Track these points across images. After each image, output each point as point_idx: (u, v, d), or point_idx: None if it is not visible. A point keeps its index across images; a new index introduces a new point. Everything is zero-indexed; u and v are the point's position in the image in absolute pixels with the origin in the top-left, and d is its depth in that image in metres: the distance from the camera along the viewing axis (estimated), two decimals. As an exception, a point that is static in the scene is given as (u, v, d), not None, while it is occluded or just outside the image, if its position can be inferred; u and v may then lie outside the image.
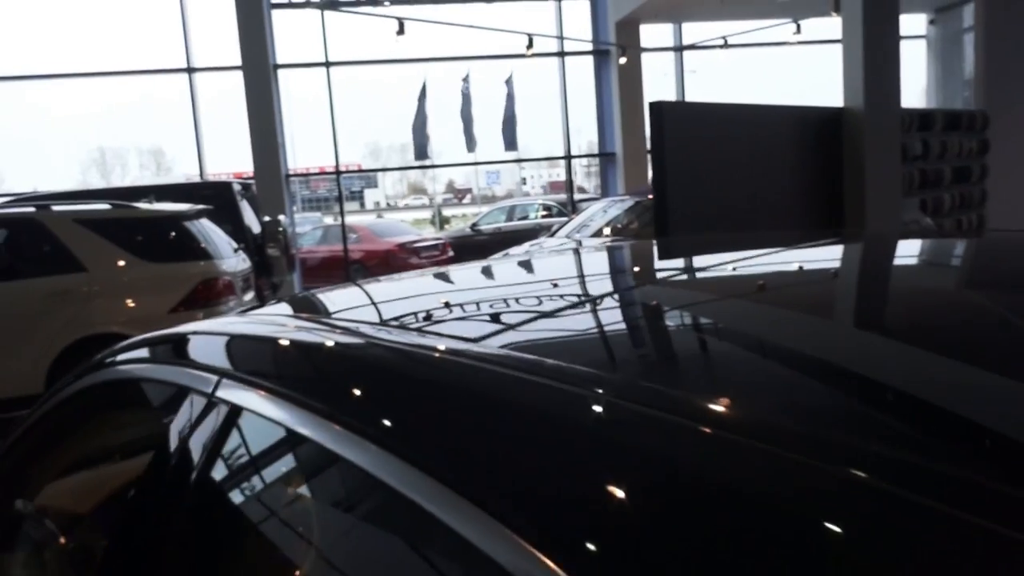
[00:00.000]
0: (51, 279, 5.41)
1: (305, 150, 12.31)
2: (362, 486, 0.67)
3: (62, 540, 1.22)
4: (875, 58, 6.00)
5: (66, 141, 12.63)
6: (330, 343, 0.91)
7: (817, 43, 11.41)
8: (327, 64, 11.61)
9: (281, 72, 11.51)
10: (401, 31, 8.53)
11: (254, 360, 0.98)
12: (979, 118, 8.55)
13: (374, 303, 1.33)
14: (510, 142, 12.80)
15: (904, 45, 14.81)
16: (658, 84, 13.02)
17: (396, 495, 0.58)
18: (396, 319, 1.08)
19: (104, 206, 5.85)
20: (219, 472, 0.84)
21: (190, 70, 11.45)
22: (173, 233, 5.63)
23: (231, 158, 11.70)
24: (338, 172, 12.06)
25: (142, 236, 5.56)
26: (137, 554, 0.89)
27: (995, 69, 8.68)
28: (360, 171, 13.00)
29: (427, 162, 13.47)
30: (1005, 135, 8.61)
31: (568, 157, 12.82)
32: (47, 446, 1.32)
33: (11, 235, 5.74)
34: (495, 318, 0.99)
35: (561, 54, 12.30)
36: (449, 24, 9.73)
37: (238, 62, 10.84)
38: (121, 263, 5.38)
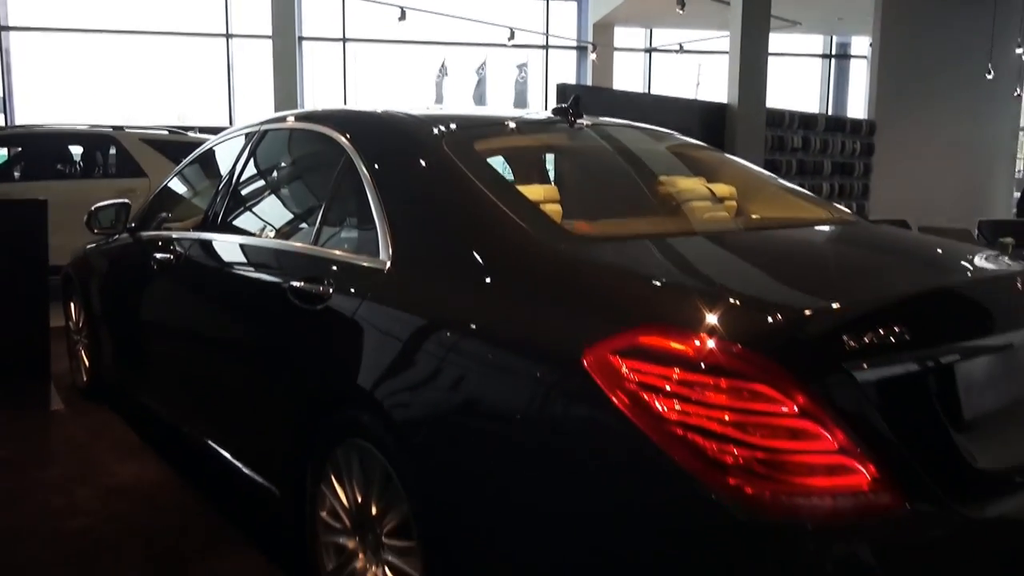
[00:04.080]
0: (120, 181, 7.43)
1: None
2: None
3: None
4: (748, 67, 7.90)
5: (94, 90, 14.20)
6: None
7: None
8: (344, 40, 13.63)
9: (306, 44, 13.51)
10: (403, 17, 10.53)
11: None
12: (865, 125, 10.42)
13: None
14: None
15: (854, 63, 16.61)
16: (633, 79, 14.92)
17: None
18: None
19: (163, 131, 7.87)
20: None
21: (228, 36, 13.46)
22: (211, 155, 7.66)
23: (252, 115, 13.58)
24: (346, 133, 14.11)
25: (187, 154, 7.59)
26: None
27: (884, 85, 10.52)
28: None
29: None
30: (891, 141, 10.45)
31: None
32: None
33: (89, 147, 7.77)
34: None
35: (546, 47, 14.27)
36: (444, 15, 11.72)
37: (269, 31, 12.81)
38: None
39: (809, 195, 2.55)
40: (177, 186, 3.49)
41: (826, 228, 2.21)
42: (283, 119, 2.74)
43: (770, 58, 8.20)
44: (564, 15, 14.35)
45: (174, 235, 3.06)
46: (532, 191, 1.90)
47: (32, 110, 13.22)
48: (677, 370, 1.27)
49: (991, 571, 1.32)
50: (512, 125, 2.38)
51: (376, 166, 2.06)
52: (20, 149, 7.95)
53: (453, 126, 2.12)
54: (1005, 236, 8.56)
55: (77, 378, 4.33)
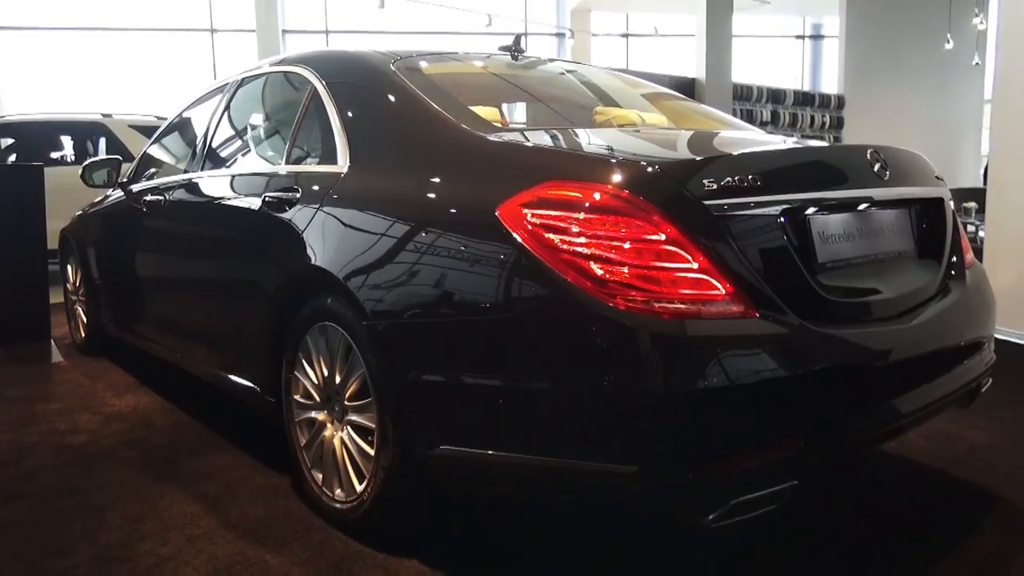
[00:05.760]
0: (110, 166, 7.70)
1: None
2: None
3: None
4: (713, 42, 8.21)
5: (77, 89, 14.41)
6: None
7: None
8: (327, 32, 13.90)
9: (289, 37, 13.77)
10: (382, 5, 10.81)
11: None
12: (834, 99, 10.74)
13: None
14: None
15: (828, 43, 16.88)
16: (611, 64, 15.21)
17: None
18: None
19: (151, 116, 8.13)
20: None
21: (212, 31, 13.71)
22: (198, 139, 7.95)
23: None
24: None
25: (176, 140, 7.89)
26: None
27: (852, 60, 10.85)
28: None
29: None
30: (860, 114, 10.78)
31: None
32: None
33: (80, 135, 8.04)
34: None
35: (524, 35, 14.55)
36: (423, 2, 12.00)
37: (253, 26, 13.07)
38: (161, 156, 7.68)
39: (738, 121, 2.85)
40: (163, 141, 3.77)
41: (724, 130, 2.49)
42: (258, 67, 3.02)
43: (748, 39, 8.54)
44: (543, 1, 14.66)
45: (162, 182, 3.33)
46: (472, 102, 2.18)
47: (21, 107, 13.43)
48: (571, 213, 1.56)
49: (828, 369, 1.61)
50: (460, 56, 2.68)
51: (336, 89, 2.35)
52: (13, 139, 8.21)
53: (405, 56, 2.41)
54: (968, 201, 8.94)
55: (76, 336, 4.59)
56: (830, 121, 10.51)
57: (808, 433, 1.58)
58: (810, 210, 1.74)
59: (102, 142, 7.95)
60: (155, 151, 3.76)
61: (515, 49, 2.73)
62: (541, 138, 1.96)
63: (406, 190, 1.93)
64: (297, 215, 2.23)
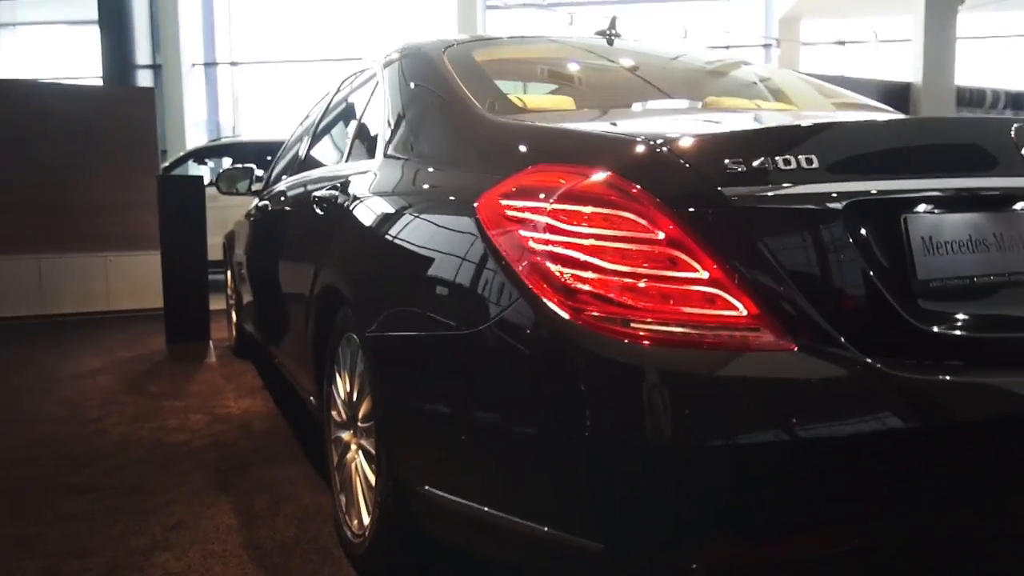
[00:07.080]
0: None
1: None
2: None
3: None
4: (933, 42, 7.14)
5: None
6: None
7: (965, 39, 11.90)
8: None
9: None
10: (571, 22, 10.75)
11: None
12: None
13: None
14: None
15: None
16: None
17: None
18: None
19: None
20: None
21: (419, 57, 14.45)
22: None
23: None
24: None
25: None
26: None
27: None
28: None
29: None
30: None
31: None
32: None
33: (269, 155, 8.77)
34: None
35: (727, 47, 13.80)
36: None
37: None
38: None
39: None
40: (286, 148, 3.84)
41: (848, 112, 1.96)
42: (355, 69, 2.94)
43: (993, 40, 7.31)
44: (750, 13, 13.85)
45: (272, 189, 3.37)
46: (534, 88, 1.89)
47: (254, 133, 15.02)
48: (547, 205, 1.21)
49: (912, 432, 1.11)
50: (548, 41, 2.40)
51: (390, 82, 2.16)
52: (232, 159, 9.14)
53: (465, 41, 2.17)
54: None
55: (229, 337, 4.85)
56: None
57: (867, 524, 1.10)
58: (920, 207, 1.24)
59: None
60: (281, 160, 3.84)
61: (611, 32, 2.39)
62: (566, 120, 1.61)
63: (408, 183, 1.68)
64: (334, 216, 2.06)
